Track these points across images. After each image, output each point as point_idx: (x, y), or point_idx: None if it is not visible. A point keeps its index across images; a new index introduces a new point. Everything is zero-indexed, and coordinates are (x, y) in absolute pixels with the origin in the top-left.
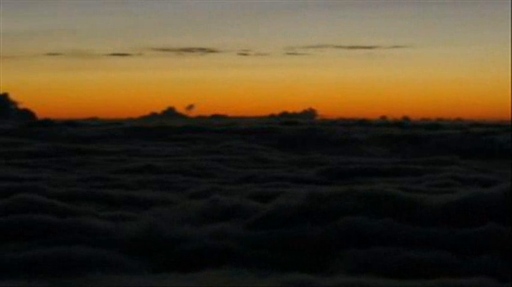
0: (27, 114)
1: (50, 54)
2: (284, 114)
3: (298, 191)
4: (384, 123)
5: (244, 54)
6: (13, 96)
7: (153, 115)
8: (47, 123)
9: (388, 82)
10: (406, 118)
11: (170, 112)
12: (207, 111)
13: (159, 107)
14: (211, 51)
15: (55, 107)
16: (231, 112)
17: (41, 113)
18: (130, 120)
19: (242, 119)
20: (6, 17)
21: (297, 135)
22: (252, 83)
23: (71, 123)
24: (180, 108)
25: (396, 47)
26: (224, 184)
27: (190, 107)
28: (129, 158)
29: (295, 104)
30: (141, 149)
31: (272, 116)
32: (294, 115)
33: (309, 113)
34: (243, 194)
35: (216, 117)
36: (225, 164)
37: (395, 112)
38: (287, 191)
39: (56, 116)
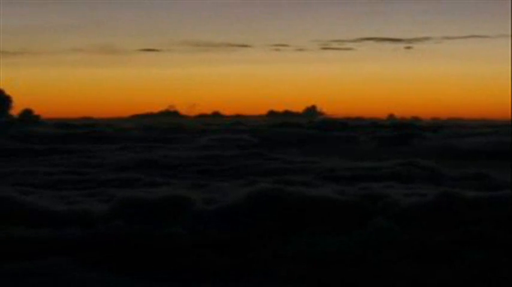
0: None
1: (75, 49)
2: (287, 113)
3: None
4: (378, 123)
5: (278, 50)
6: (35, 91)
7: (149, 114)
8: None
9: (420, 78)
10: (415, 118)
11: (169, 111)
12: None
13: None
14: (244, 46)
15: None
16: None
17: (61, 111)
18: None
19: (243, 117)
20: (31, 11)
21: (289, 136)
22: (280, 79)
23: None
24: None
25: (438, 42)
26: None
27: (192, 105)
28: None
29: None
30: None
31: (271, 114)
32: (297, 115)
33: (312, 112)
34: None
35: (216, 116)
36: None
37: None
38: None
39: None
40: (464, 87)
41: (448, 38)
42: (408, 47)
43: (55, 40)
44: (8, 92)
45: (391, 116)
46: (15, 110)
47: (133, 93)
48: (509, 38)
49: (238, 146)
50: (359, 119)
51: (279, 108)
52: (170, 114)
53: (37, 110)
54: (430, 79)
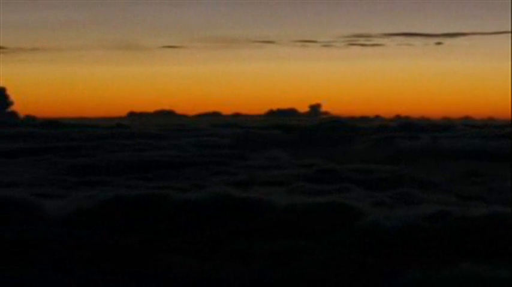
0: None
1: (98, 46)
2: (288, 112)
3: None
4: (380, 123)
5: (304, 46)
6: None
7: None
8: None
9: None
10: (423, 117)
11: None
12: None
13: (211, 103)
14: (269, 42)
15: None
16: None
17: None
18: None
19: (238, 116)
20: (50, 7)
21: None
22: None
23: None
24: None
25: (470, 38)
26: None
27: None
28: None
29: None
30: None
31: (270, 113)
32: (299, 114)
33: (315, 111)
34: None
35: (215, 115)
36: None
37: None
38: None
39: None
40: (496, 85)
41: (480, 33)
42: (439, 43)
43: (75, 36)
44: (17, 89)
45: (397, 116)
46: (21, 109)
47: (147, 91)
48: None
49: (218, 146)
50: (363, 119)
51: (286, 106)
52: (169, 114)
53: (44, 109)
54: (460, 76)
